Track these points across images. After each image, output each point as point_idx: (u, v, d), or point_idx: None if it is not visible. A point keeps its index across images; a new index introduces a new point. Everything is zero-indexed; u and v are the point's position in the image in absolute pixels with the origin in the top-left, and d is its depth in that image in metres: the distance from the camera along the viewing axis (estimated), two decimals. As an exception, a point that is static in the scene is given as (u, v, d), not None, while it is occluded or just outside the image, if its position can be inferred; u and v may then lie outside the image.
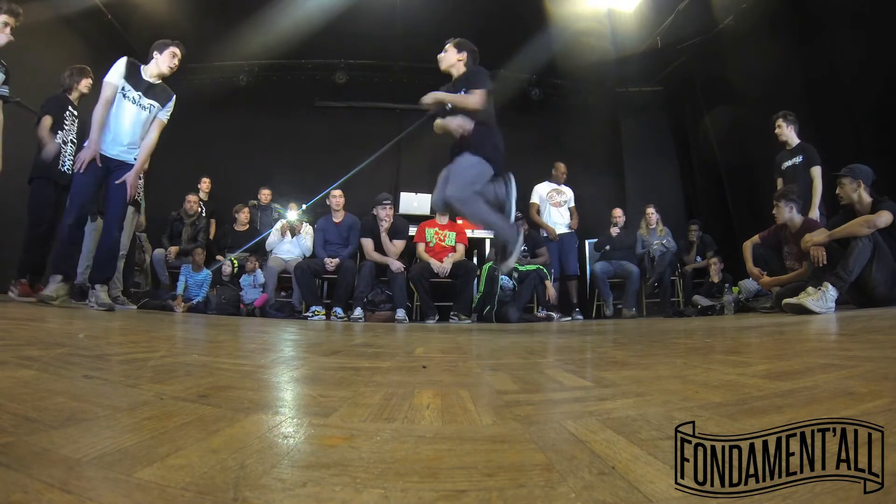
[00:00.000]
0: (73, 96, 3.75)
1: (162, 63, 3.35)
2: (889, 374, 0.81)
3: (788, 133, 4.06)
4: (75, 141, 3.74)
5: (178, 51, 3.40)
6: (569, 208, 5.68)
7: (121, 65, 3.24)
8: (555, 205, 5.62)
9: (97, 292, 3.22)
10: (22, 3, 3.27)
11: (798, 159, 3.98)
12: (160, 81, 3.38)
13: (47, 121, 3.57)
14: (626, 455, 0.44)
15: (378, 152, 6.41)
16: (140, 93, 3.28)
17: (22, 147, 3.54)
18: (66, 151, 3.67)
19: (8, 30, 3.23)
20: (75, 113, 3.76)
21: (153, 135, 3.40)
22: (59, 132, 3.64)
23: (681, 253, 5.60)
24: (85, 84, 3.76)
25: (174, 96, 3.44)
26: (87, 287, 3.40)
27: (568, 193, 5.72)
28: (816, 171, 3.87)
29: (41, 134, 3.54)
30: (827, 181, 3.72)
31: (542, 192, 5.65)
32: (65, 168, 3.63)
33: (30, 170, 3.59)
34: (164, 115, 3.43)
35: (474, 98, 2.72)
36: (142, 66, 3.33)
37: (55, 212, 3.53)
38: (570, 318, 5.15)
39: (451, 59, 2.91)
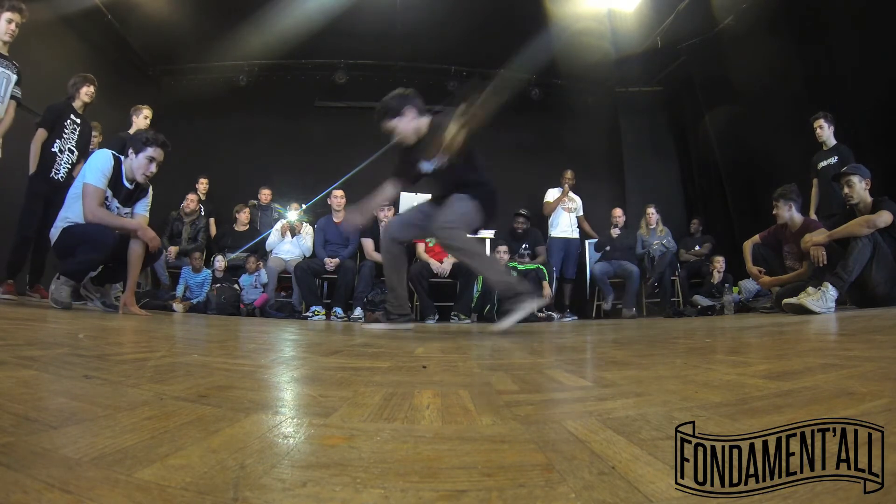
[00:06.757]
0: (77, 104, 3.71)
1: (137, 169, 2.88)
2: (889, 374, 0.81)
3: (828, 134, 4.05)
4: (73, 150, 3.71)
5: (158, 156, 2.88)
6: (577, 217, 5.85)
7: (106, 169, 2.79)
8: (566, 210, 5.82)
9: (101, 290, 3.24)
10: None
11: (833, 159, 3.97)
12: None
13: (40, 135, 3.52)
14: (626, 455, 0.44)
15: (378, 152, 6.41)
16: (119, 203, 2.92)
17: (21, 147, 3.53)
18: (61, 160, 3.64)
19: (13, 26, 3.20)
20: (77, 121, 3.74)
21: (139, 249, 2.93)
22: (58, 140, 3.63)
23: (681, 247, 5.66)
24: (86, 92, 3.70)
25: (150, 189, 3.07)
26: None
27: (577, 201, 5.92)
28: None
29: (32, 148, 3.52)
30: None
31: (555, 195, 5.86)
32: (58, 176, 3.61)
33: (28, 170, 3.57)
34: (144, 208, 3.09)
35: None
36: (123, 166, 2.90)
37: (45, 216, 3.44)
38: (570, 318, 5.18)
39: (408, 126, 2.45)
